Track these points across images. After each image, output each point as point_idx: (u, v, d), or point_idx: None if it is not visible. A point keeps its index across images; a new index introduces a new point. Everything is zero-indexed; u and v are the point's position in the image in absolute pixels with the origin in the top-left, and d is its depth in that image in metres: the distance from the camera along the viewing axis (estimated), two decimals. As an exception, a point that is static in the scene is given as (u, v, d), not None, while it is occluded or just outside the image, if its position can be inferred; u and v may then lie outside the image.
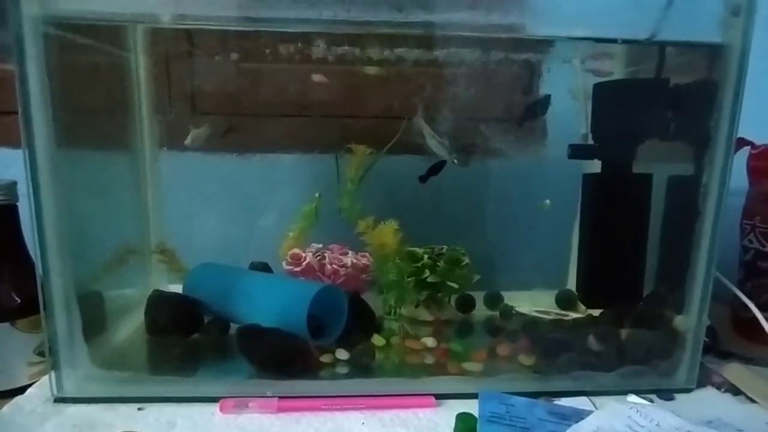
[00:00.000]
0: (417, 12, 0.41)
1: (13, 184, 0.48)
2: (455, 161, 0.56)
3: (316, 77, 0.58)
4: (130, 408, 0.44)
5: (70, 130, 0.43)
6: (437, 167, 0.58)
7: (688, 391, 0.49)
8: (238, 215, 0.69)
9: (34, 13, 0.39)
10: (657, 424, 0.40)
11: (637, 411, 0.42)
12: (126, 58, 0.58)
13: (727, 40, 0.43)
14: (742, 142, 0.60)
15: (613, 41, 0.47)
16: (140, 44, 0.58)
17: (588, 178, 0.57)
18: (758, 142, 0.62)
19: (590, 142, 0.57)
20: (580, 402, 0.46)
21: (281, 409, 0.44)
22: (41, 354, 0.48)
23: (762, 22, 0.43)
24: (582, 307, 0.63)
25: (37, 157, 0.41)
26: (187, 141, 0.59)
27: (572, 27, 0.44)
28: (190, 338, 0.55)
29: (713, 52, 0.45)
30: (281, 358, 0.48)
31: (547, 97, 0.59)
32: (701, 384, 0.49)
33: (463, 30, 0.44)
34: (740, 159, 0.61)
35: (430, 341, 0.54)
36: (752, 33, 0.42)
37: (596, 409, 0.44)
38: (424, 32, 0.44)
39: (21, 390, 0.47)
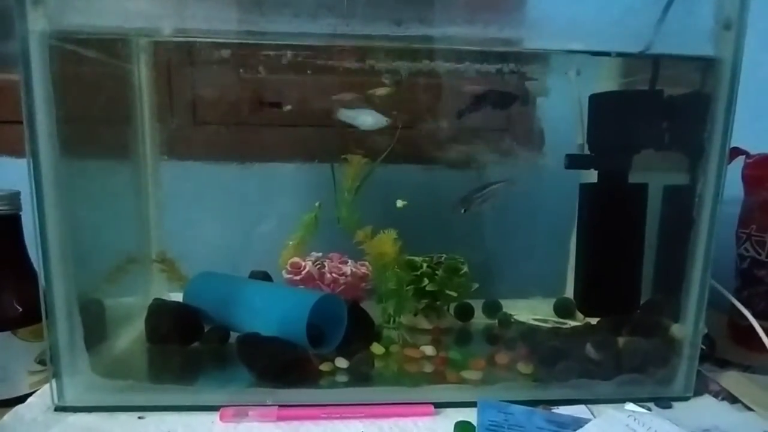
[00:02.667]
0: (415, 26, 0.42)
1: (16, 194, 0.49)
2: (463, 211, 0.56)
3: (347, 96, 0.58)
4: (131, 417, 0.44)
5: (73, 139, 0.44)
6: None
7: (685, 399, 0.49)
8: (237, 224, 0.69)
9: (40, 28, 0.40)
10: (654, 432, 0.40)
11: (635, 419, 0.42)
12: (128, 69, 0.59)
13: (718, 54, 0.44)
14: (737, 152, 0.61)
15: (607, 54, 0.48)
16: (142, 56, 0.59)
17: (585, 188, 0.57)
18: (753, 151, 0.62)
19: (587, 152, 0.57)
20: (578, 410, 0.46)
21: (281, 418, 0.44)
22: (42, 363, 0.48)
23: (755, 33, 0.44)
24: (580, 315, 0.63)
25: (41, 166, 0.42)
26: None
27: (567, 40, 0.45)
28: (191, 347, 0.55)
29: (706, 65, 0.45)
30: (281, 367, 0.48)
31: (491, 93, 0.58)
32: (699, 392, 0.49)
33: (461, 44, 0.45)
34: (736, 168, 0.62)
35: (429, 350, 0.55)
36: (743, 46, 0.43)
37: (594, 417, 0.44)
38: (423, 46, 0.45)
39: (22, 399, 0.47)
